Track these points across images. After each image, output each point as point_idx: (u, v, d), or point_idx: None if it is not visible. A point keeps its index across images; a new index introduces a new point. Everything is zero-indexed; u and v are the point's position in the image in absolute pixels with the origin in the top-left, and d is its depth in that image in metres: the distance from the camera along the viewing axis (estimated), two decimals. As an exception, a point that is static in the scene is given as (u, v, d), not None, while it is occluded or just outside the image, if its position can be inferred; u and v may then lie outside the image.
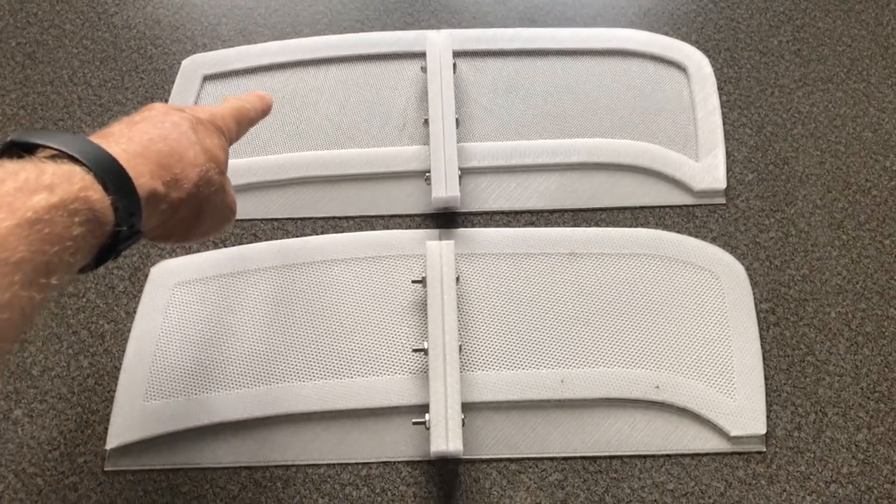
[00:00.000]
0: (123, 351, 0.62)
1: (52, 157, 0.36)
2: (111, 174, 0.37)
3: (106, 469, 0.58)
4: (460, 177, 0.66)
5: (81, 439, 0.60)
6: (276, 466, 0.58)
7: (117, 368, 0.62)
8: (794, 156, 0.71)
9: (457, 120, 0.68)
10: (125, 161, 0.38)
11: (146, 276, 0.65)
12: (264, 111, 0.58)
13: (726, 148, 0.71)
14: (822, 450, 0.59)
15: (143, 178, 0.39)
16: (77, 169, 0.35)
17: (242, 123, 0.54)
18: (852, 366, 0.62)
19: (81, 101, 0.75)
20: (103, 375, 0.62)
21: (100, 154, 0.37)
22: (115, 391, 0.61)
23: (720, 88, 0.74)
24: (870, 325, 0.63)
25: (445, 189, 0.65)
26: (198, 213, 0.45)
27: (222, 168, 0.47)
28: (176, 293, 0.64)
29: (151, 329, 0.63)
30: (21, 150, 0.37)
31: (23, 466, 0.59)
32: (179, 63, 0.76)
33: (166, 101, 0.73)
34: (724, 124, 0.72)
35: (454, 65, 0.72)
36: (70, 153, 0.36)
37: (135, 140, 0.41)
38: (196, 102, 0.74)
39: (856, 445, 0.59)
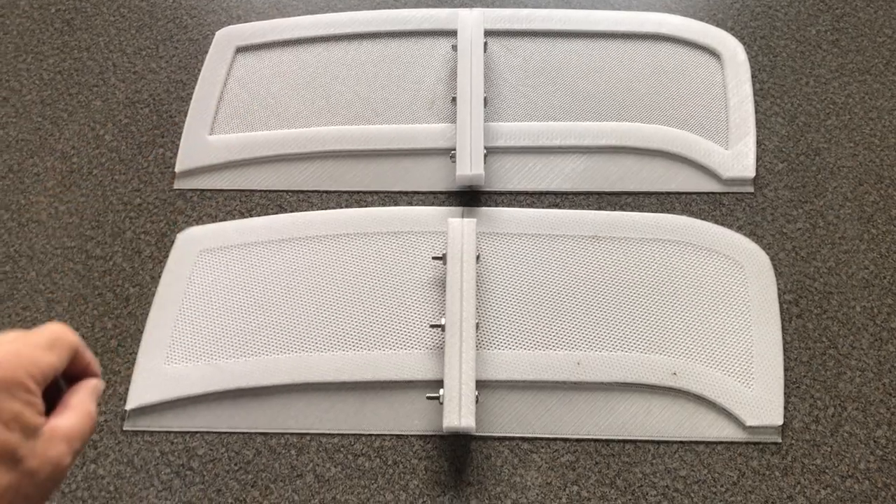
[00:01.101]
0: (147, 314, 0.63)
1: None
2: None
3: (125, 429, 0.59)
4: (486, 155, 0.66)
5: (102, 399, 0.61)
6: (291, 434, 0.59)
7: (140, 331, 0.63)
8: (827, 147, 0.70)
9: (485, 99, 0.68)
10: None
11: (172, 241, 0.66)
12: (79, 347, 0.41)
13: (757, 136, 0.70)
14: (839, 444, 0.58)
15: None
16: None
17: (60, 350, 0.39)
18: (875, 361, 0.61)
19: (116, 67, 0.76)
20: (126, 338, 0.63)
21: None
22: (136, 353, 0.62)
23: (754, 76, 0.73)
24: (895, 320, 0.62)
25: (470, 167, 0.65)
26: None
27: (16, 455, 0.35)
28: (200, 260, 0.65)
29: (175, 294, 0.64)
30: None
31: (45, 422, 0.60)
32: (213, 34, 0.77)
33: (198, 72, 0.74)
34: (756, 113, 0.71)
35: (485, 44, 0.72)
36: None
37: None
38: (228, 76, 0.74)
39: (874, 441, 0.58)
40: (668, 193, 0.68)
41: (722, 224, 0.66)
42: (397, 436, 0.59)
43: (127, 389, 0.61)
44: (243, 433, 0.59)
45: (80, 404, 0.40)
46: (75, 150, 0.72)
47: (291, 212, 0.68)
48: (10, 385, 0.37)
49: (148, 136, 0.72)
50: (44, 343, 0.39)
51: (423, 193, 0.69)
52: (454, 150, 0.66)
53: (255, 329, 0.62)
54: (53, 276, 0.65)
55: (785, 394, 0.59)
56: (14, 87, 0.75)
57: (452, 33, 0.74)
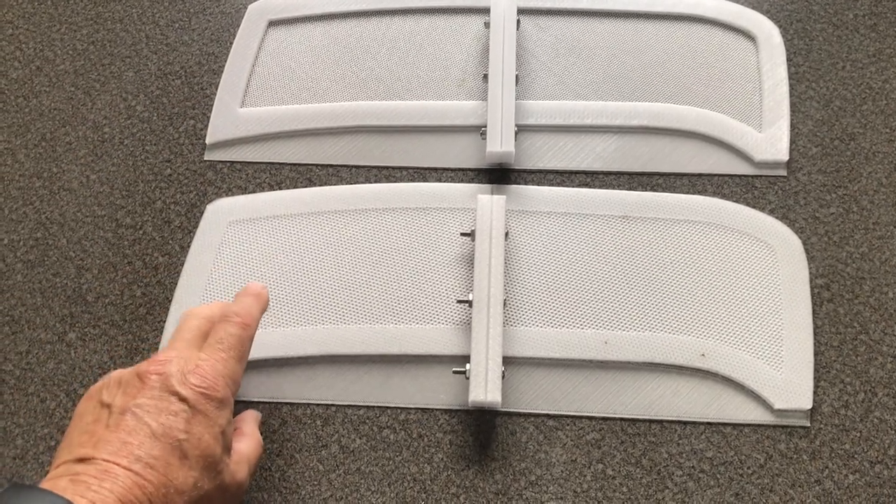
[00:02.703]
0: (175, 284, 0.64)
1: None
2: None
3: (153, 395, 0.60)
4: (516, 133, 0.65)
5: (131, 365, 0.61)
6: (316, 405, 0.59)
7: (168, 300, 0.63)
8: (862, 132, 0.69)
9: (517, 77, 0.68)
10: None
11: (202, 212, 0.67)
12: (263, 311, 0.53)
13: (791, 120, 0.69)
14: (869, 430, 0.57)
15: None
16: None
17: (246, 353, 0.50)
18: (907, 348, 0.60)
19: (149, 39, 0.76)
20: (154, 306, 0.63)
21: None
22: (164, 322, 0.62)
23: (789, 60, 0.72)
24: (929, 308, 0.62)
25: (501, 143, 0.64)
26: None
27: (219, 466, 0.44)
28: (230, 231, 0.65)
29: (204, 264, 0.64)
30: None
31: (73, 387, 0.61)
32: (245, 7, 0.77)
33: (230, 44, 0.74)
34: (790, 96, 0.70)
35: (518, 21, 0.71)
36: None
37: (119, 481, 0.39)
38: (259, 49, 0.74)
39: (904, 428, 0.58)
40: (700, 175, 0.67)
41: (754, 207, 0.65)
42: (423, 409, 0.59)
43: (155, 357, 0.61)
44: (269, 402, 0.59)
45: (253, 433, 0.50)
46: (107, 120, 0.72)
47: (320, 185, 0.68)
48: (221, 403, 0.45)
49: (179, 107, 0.72)
50: (237, 356, 0.48)
51: (453, 170, 0.69)
52: (485, 127, 0.66)
53: (283, 300, 0.62)
54: (84, 243, 0.66)
55: (814, 378, 0.59)
56: (48, 57, 0.76)
57: (485, 10, 0.74)
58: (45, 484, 0.40)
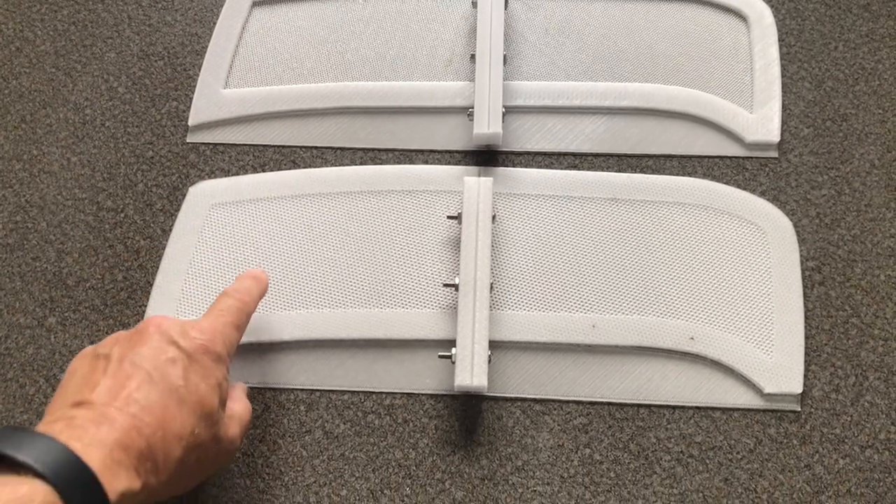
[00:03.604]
0: (157, 268, 0.63)
1: (20, 470, 0.35)
2: (81, 490, 0.35)
3: (133, 380, 0.59)
4: (504, 115, 0.64)
5: (112, 351, 0.60)
6: (300, 390, 0.58)
7: (150, 284, 0.62)
8: (854, 113, 0.68)
9: (504, 57, 0.67)
10: (101, 463, 0.37)
11: (184, 195, 0.66)
12: (262, 294, 0.54)
13: (783, 101, 0.68)
14: (859, 414, 0.57)
15: (119, 480, 0.37)
16: (39, 489, 0.34)
17: (243, 325, 0.51)
18: (898, 331, 0.59)
19: (131, 20, 0.75)
20: (136, 290, 0.62)
21: (72, 466, 0.36)
22: (145, 306, 0.61)
23: (781, 40, 0.71)
24: (921, 290, 0.61)
25: (488, 125, 0.63)
26: (183, 479, 0.43)
27: (215, 417, 0.44)
28: (212, 214, 0.64)
29: (186, 248, 0.63)
30: None
31: (53, 372, 0.60)
32: (229, -13, 0.76)
33: (214, 25, 0.73)
34: (782, 77, 0.69)
35: (506, 1, 0.70)
36: (36, 469, 0.35)
37: (116, 423, 0.39)
38: (243, 30, 0.73)
39: None
40: (690, 157, 0.66)
41: (745, 189, 0.65)
42: (408, 394, 0.58)
43: (136, 342, 0.60)
44: (252, 387, 0.58)
45: (241, 398, 0.50)
46: (88, 101, 0.71)
47: (305, 168, 0.67)
48: (219, 358, 0.46)
49: (162, 89, 0.71)
50: (234, 322, 0.49)
51: (439, 152, 0.68)
52: (472, 108, 0.65)
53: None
54: (64, 226, 0.65)
55: (805, 362, 0.58)
56: (28, 38, 0.74)
57: (473, -10, 0.72)
58: (41, 428, 0.39)
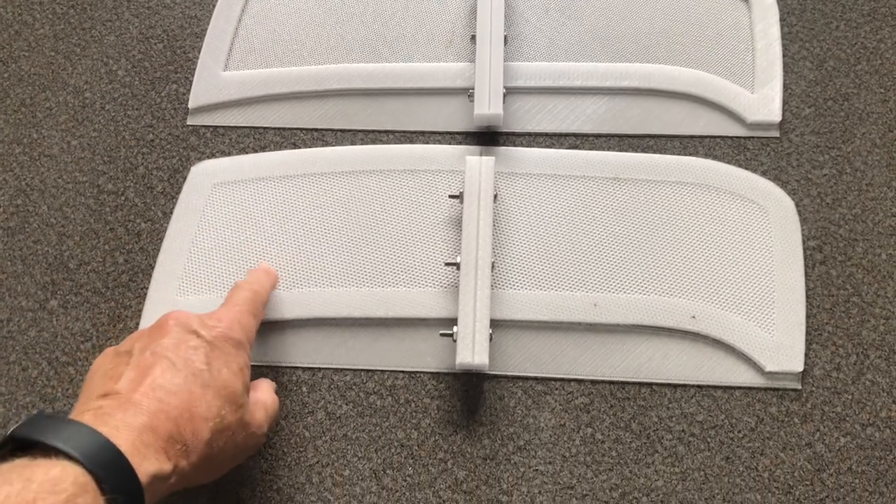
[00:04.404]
0: (158, 250, 0.63)
1: (52, 454, 0.35)
2: (112, 471, 0.36)
3: (136, 362, 0.59)
4: (505, 95, 0.64)
5: (113, 333, 0.60)
6: (302, 369, 0.58)
7: (151, 266, 0.62)
8: (856, 92, 0.68)
9: (505, 37, 0.66)
10: (130, 445, 0.37)
11: (185, 178, 0.65)
12: (273, 285, 0.57)
13: (784, 81, 0.68)
14: (860, 392, 0.57)
15: (149, 462, 0.38)
16: (70, 471, 0.34)
17: (259, 313, 0.52)
18: (900, 309, 0.59)
19: (130, 2, 0.74)
20: (137, 273, 0.62)
21: (102, 448, 0.36)
22: (147, 289, 0.61)
23: (782, 19, 0.71)
24: (922, 269, 0.61)
25: (489, 106, 0.63)
26: (213, 464, 0.43)
27: (240, 400, 0.45)
28: (214, 194, 0.64)
29: (188, 228, 0.63)
30: (21, 444, 0.36)
31: (55, 355, 0.60)
32: (228, -31, 0.75)
33: (213, 7, 0.73)
34: (783, 56, 0.69)
35: (506, -19, 0.70)
36: (68, 452, 0.35)
37: (143, 407, 0.39)
38: (243, 11, 0.72)
39: (897, 390, 0.57)
40: (692, 137, 0.66)
41: (746, 168, 0.64)
42: (409, 374, 0.58)
43: (138, 324, 0.60)
44: (253, 366, 0.58)
45: (269, 391, 0.52)
46: (88, 85, 0.71)
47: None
48: (238, 345, 0.48)
49: (161, 71, 0.71)
50: (250, 310, 0.51)
51: (440, 133, 0.67)
52: (472, 89, 0.65)
53: (269, 263, 0.61)
54: (65, 210, 0.65)
55: (806, 340, 0.58)
56: (27, 21, 0.74)
57: (473, -29, 0.72)
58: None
